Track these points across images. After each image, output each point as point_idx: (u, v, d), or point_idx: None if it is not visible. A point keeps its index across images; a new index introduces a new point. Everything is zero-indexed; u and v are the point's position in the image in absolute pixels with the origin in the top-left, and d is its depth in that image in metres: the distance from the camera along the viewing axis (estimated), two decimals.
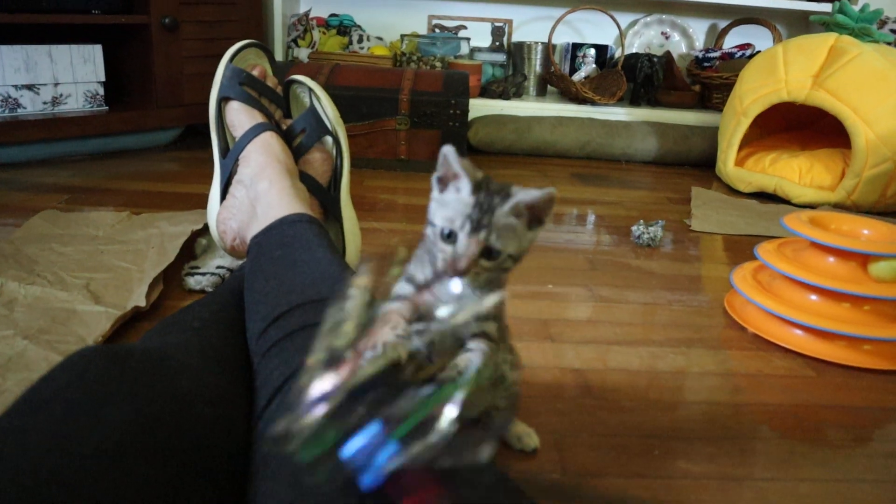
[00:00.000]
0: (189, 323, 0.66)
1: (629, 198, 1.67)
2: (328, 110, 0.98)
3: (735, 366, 0.89)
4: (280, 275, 0.67)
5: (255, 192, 0.86)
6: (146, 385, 0.43)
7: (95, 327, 0.82)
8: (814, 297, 0.95)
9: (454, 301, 0.54)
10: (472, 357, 0.54)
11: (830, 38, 1.65)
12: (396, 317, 0.54)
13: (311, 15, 2.15)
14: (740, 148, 1.80)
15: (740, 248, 1.35)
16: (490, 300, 0.53)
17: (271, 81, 1.01)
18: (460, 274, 0.50)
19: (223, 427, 0.46)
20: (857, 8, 1.75)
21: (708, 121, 2.12)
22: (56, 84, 1.62)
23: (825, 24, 1.79)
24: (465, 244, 0.49)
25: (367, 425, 0.35)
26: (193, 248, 1.09)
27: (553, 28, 2.18)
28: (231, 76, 0.95)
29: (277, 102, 1.01)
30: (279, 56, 2.12)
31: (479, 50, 2.30)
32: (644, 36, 2.44)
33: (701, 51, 2.30)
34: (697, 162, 2.03)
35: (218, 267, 0.99)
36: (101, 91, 1.70)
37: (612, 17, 2.19)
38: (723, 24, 2.40)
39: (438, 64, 2.13)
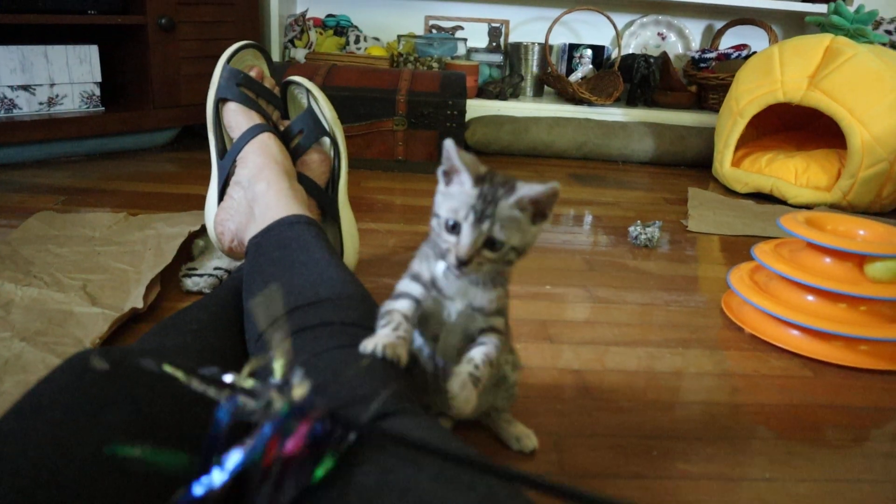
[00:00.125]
0: (187, 325, 0.66)
1: (626, 198, 1.67)
2: (326, 111, 0.98)
3: (732, 366, 0.89)
4: (278, 276, 0.67)
5: (252, 194, 0.86)
6: (145, 387, 0.43)
7: (93, 329, 0.82)
8: (810, 297, 0.95)
9: (460, 296, 0.54)
10: (483, 350, 0.54)
11: (826, 38, 1.66)
12: (398, 316, 0.54)
13: (308, 15, 2.15)
14: (737, 148, 1.80)
15: (737, 249, 1.35)
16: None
17: (268, 82, 1.01)
18: (464, 264, 0.50)
19: None
20: (852, 9, 1.75)
21: (704, 121, 2.12)
22: (52, 85, 1.62)
23: (820, 25, 1.80)
24: (469, 234, 0.50)
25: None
26: (191, 249, 1.08)
27: (550, 29, 2.18)
28: (228, 77, 0.95)
29: (275, 103, 1.01)
30: (276, 57, 2.12)
31: (476, 50, 2.30)
32: (640, 37, 2.45)
33: (697, 51, 2.31)
34: (694, 162, 2.04)
35: (215, 268, 0.99)
36: (98, 92, 1.69)
37: (608, 17, 2.19)
38: (719, 24, 2.40)
39: (435, 64, 2.13)
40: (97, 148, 1.70)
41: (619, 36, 2.22)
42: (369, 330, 0.54)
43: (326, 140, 1.00)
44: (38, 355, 0.75)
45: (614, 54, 2.36)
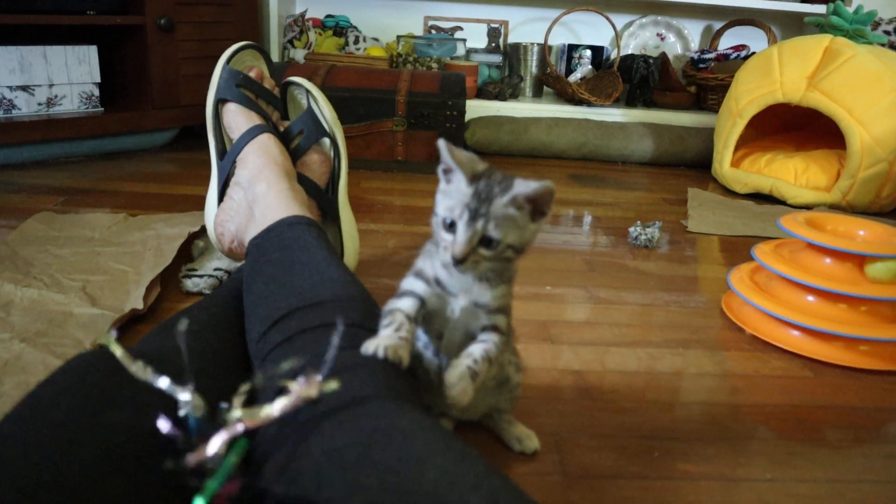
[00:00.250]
0: (188, 326, 0.66)
1: (626, 199, 1.67)
2: (325, 112, 0.98)
3: (733, 367, 0.89)
4: (279, 277, 0.67)
5: (252, 194, 0.86)
6: (146, 388, 0.43)
7: (93, 330, 0.82)
8: (811, 298, 0.95)
9: (463, 292, 0.54)
10: (482, 346, 0.54)
11: (825, 39, 1.66)
12: (401, 317, 0.54)
13: (307, 16, 2.15)
14: (736, 149, 1.80)
15: (737, 249, 1.35)
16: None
17: (268, 83, 1.01)
18: (459, 262, 0.50)
19: None
20: (851, 10, 1.76)
21: (704, 122, 2.12)
22: (51, 85, 1.61)
23: (819, 26, 1.80)
24: (463, 232, 0.50)
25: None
26: (191, 250, 1.08)
27: (549, 29, 2.18)
28: (228, 78, 0.95)
29: (275, 104, 1.00)
30: (275, 57, 2.11)
31: (476, 51, 2.30)
32: (640, 37, 2.45)
33: (696, 52, 2.31)
34: (693, 163, 2.04)
35: (215, 269, 0.99)
36: (97, 92, 1.69)
37: (607, 18, 2.19)
38: (718, 25, 2.40)
39: (435, 65, 2.13)
40: (96, 148, 1.70)
41: (618, 36, 2.23)
42: (370, 331, 0.54)
43: (326, 141, 1.00)
44: (38, 356, 0.75)
45: (613, 55, 2.36)
